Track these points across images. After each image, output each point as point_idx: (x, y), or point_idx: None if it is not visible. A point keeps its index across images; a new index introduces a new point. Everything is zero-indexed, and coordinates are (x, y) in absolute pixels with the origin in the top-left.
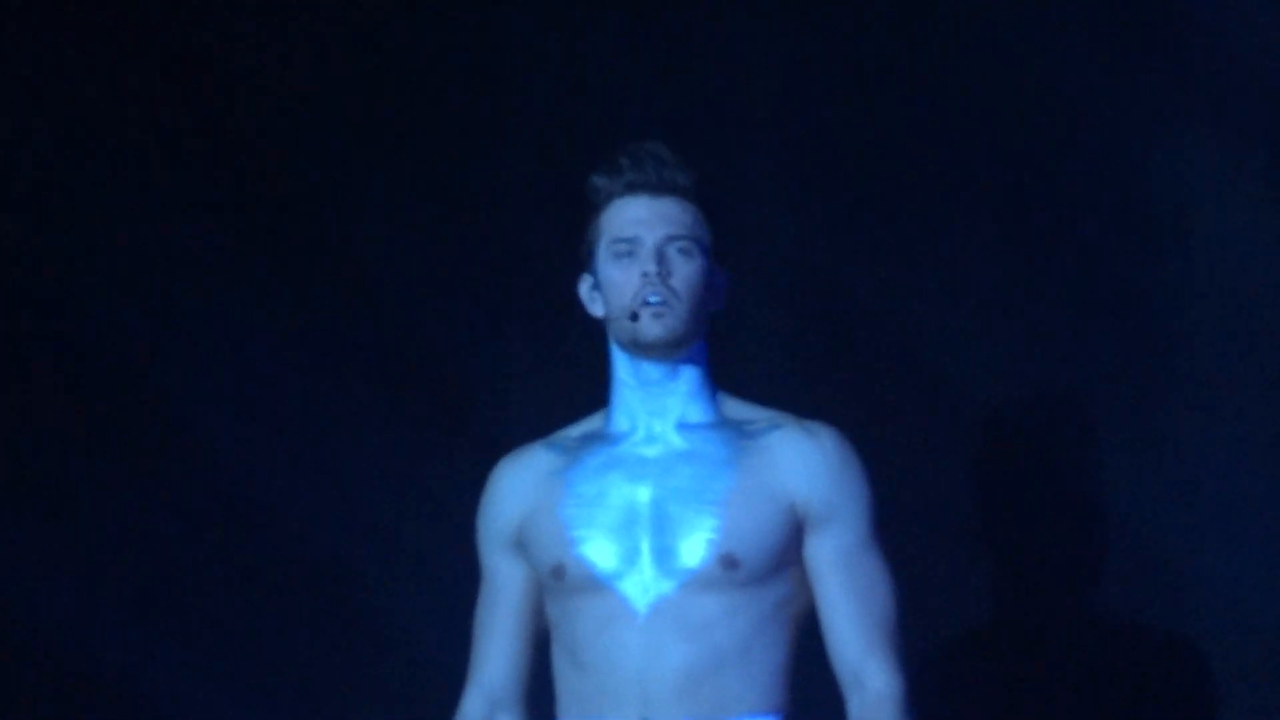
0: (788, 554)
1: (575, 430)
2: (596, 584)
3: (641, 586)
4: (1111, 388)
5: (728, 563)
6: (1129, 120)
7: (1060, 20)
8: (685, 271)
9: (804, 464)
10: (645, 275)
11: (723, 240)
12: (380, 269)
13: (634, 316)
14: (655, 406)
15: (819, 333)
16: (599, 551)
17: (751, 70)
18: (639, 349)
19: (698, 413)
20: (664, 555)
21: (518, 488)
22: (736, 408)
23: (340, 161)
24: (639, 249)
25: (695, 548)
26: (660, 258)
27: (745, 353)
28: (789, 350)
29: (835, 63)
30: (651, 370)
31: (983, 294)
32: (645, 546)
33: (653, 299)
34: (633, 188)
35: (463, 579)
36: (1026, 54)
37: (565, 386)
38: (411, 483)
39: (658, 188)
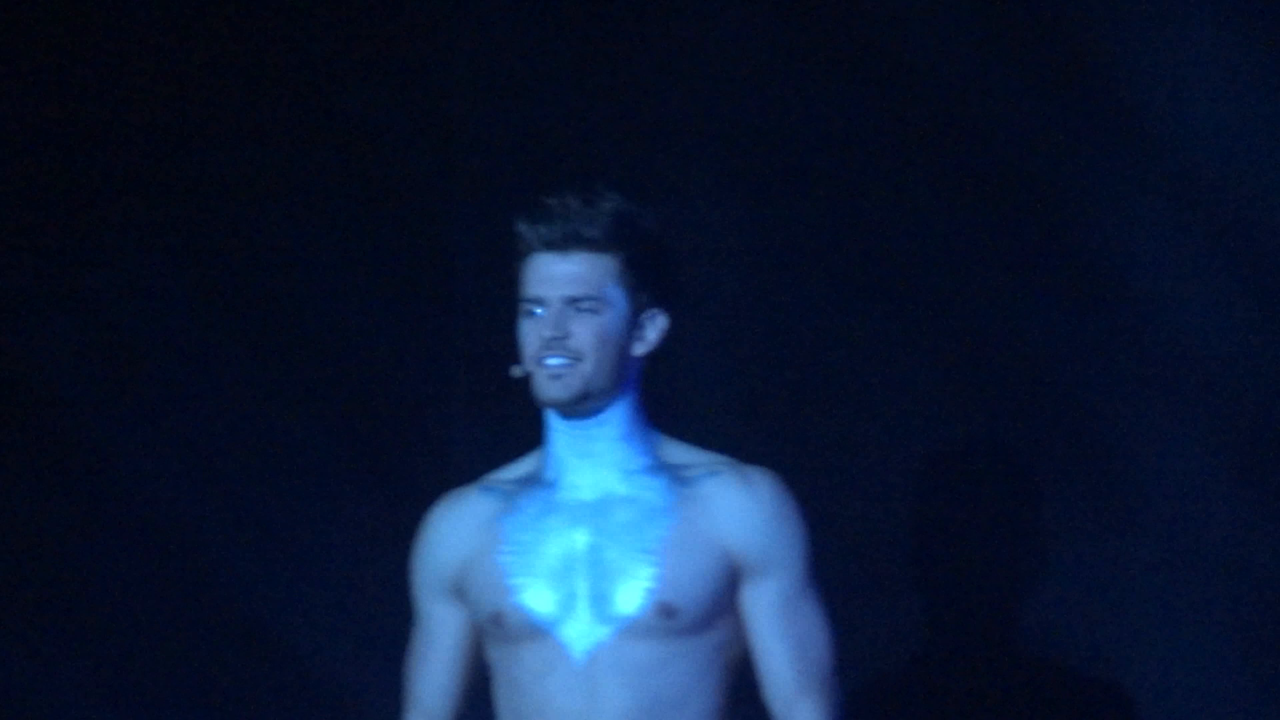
0: (724, 602)
1: (511, 473)
2: (535, 630)
3: (579, 633)
4: (1049, 430)
5: (665, 611)
6: (1070, 172)
7: (1005, 75)
8: (587, 331)
9: (740, 513)
10: (543, 339)
11: (655, 284)
12: (317, 308)
13: (535, 376)
14: (583, 450)
15: (760, 375)
16: (536, 598)
17: (698, 106)
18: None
19: (633, 457)
20: (601, 601)
21: (456, 533)
22: (675, 451)
23: (280, 203)
24: (543, 309)
25: (633, 595)
26: (559, 320)
27: (687, 394)
28: (730, 393)
29: (784, 100)
30: (577, 418)
31: (923, 338)
32: (582, 592)
33: (549, 362)
34: (542, 244)
35: (391, 623)
36: (970, 104)
37: (504, 429)
38: (343, 526)
39: (565, 244)
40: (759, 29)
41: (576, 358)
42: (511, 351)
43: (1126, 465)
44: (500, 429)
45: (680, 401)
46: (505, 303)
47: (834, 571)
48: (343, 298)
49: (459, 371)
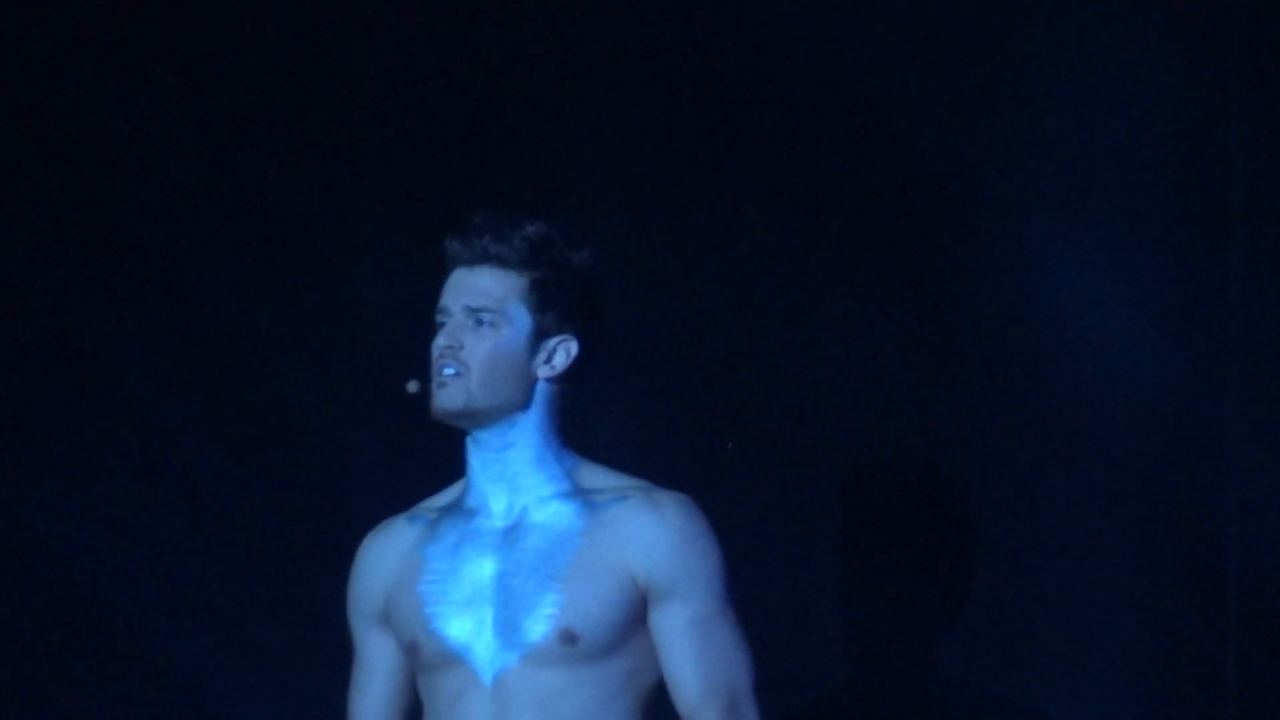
0: (631, 627)
1: (437, 501)
2: (448, 658)
3: (487, 659)
4: (971, 451)
5: (566, 637)
6: (993, 194)
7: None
8: (481, 345)
9: (644, 537)
10: (438, 347)
11: (565, 309)
12: (223, 333)
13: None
14: (494, 474)
15: (678, 396)
16: (449, 626)
17: (603, 123)
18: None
19: (546, 481)
20: (507, 628)
21: (382, 563)
22: (590, 475)
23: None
24: (446, 319)
25: (536, 622)
26: (455, 331)
27: (606, 416)
28: (650, 415)
29: (689, 108)
30: (481, 438)
31: (845, 357)
32: (489, 619)
33: (445, 370)
34: (458, 258)
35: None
36: (886, 114)
37: (406, 461)
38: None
39: (475, 259)
40: (670, 35)
41: (466, 368)
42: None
43: (1042, 487)
44: (403, 461)
45: (596, 424)
46: (409, 330)
47: (753, 596)
48: (247, 321)
49: (361, 402)
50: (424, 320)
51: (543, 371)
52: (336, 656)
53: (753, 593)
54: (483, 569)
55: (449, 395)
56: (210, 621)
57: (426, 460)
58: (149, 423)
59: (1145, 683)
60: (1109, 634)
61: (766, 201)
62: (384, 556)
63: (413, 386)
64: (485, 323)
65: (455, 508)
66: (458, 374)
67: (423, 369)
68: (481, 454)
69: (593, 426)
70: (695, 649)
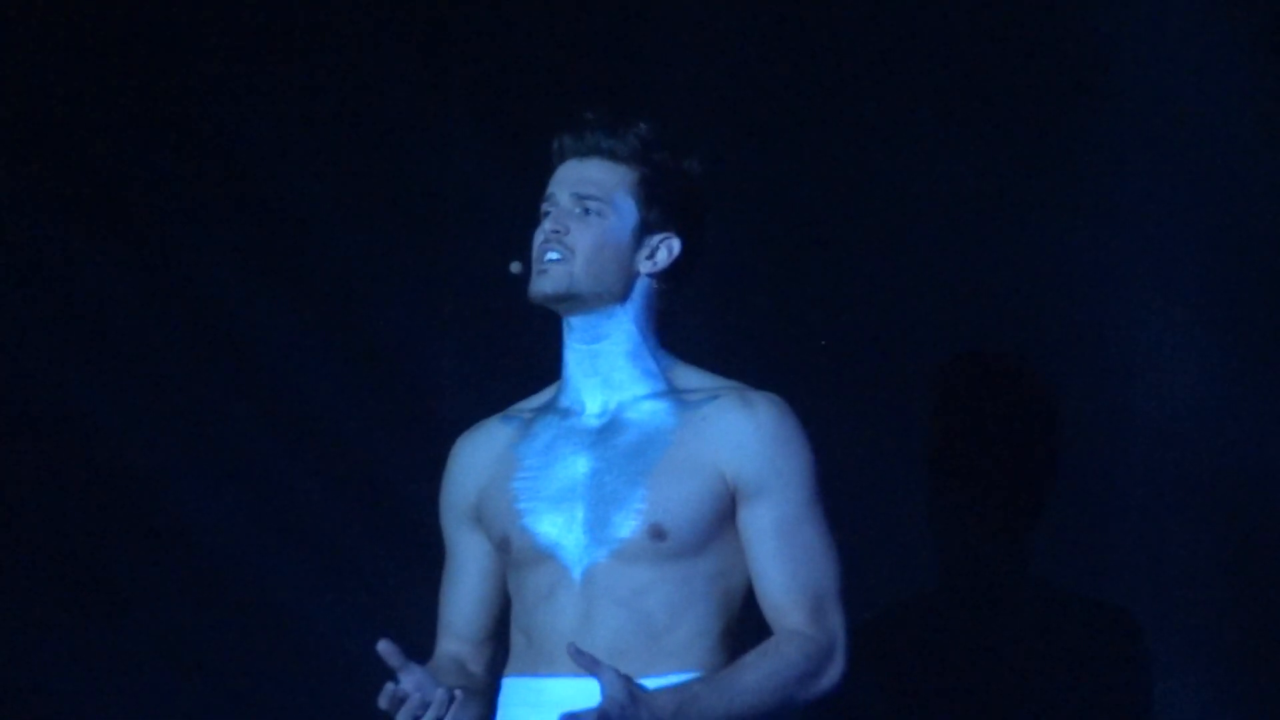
0: (719, 526)
1: (531, 403)
2: (539, 554)
3: (577, 554)
4: (1067, 348)
5: (655, 533)
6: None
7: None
8: (586, 231)
9: (735, 436)
10: (544, 232)
11: (670, 206)
12: (308, 239)
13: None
14: (588, 368)
15: (770, 301)
16: (541, 522)
17: (701, 37)
18: (542, 306)
19: (640, 379)
20: (598, 525)
21: (475, 463)
22: (685, 375)
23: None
24: (552, 208)
25: (626, 517)
26: (561, 216)
27: (699, 320)
28: (745, 318)
29: (803, 46)
30: (576, 325)
31: (934, 263)
32: (580, 516)
33: (548, 255)
34: (567, 152)
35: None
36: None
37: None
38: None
39: (585, 152)
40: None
41: (570, 252)
42: (503, 303)
43: (1131, 384)
44: (492, 368)
45: (688, 329)
46: (500, 240)
47: (840, 501)
48: (335, 235)
49: (449, 315)
50: (511, 219)
51: (644, 266)
52: (430, 561)
53: (840, 497)
54: (576, 466)
55: (550, 279)
56: (307, 535)
57: (516, 367)
58: (242, 338)
59: (1228, 585)
60: (1193, 539)
61: (864, 111)
62: (477, 456)
63: (515, 267)
64: (592, 211)
65: (550, 408)
66: (561, 259)
67: (526, 258)
68: (576, 346)
69: (687, 330)
70: (782, 549)
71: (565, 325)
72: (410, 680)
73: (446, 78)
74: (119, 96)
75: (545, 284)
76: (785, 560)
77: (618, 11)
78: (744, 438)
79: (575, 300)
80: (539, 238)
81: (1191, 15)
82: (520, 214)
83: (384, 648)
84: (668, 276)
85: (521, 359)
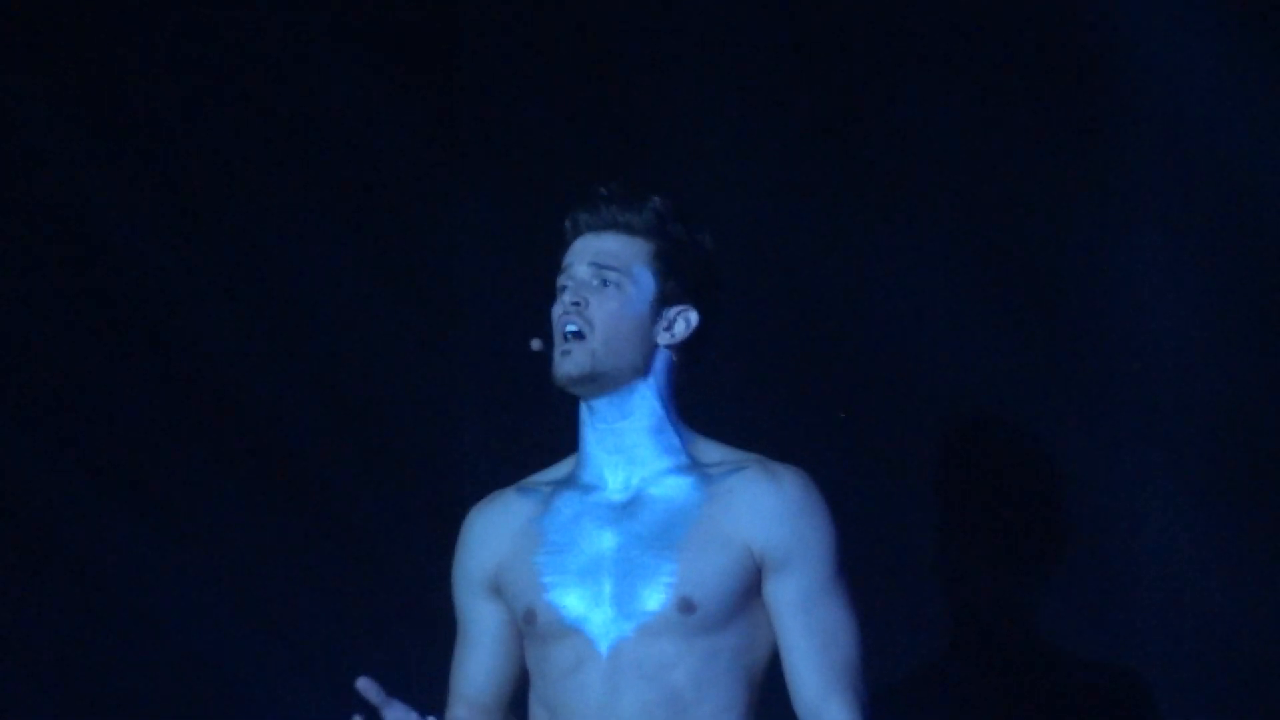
0: (746, 598)
1: (548, 475)
2: (565, 628)
3: (604, 629)
4: (1072, 421)
5: (684, 606)
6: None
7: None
8: (604, 304)
9: (762, 508)
10: (563, 305)
11: (687, 278)
12: (326, 320)
13: (553, 356)
14: (611, 445)
15: (794, 371)
16: (567, 596)
17: (711, 109)
18: (566, 390)
19: (662, 454)
20: (625, 599)
21: (493, 534)
22: (707, 450)
23: (286, 208)
24: (570, 281)
25: (654, 591)
26: (580, 289)
27: (721, 392)
28: (764, 391)
29: (815, 74)
30: (600, 408)
31: (943, 324)
32: (608, 591)
33: (568, 327)
34: (582, 227)
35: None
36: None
37: (516, 444)
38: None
39: (600, 226)
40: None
41: (589, 326)
42: (523, 367)
43: (1143, 459)
44: (513, 444)
45: (703, 403)
46: (516, 316)
47: (858, 570)
48: (353, 309)
49: (470, 386)
50: (530, 294)
51: (663, 338)
52: (443, 632)
53: (856, 566)
54: (602, 541)
55: (573, 361)
56: (319, 601)
57: (535, 439)
58: (259, 405)
59: (1238, 644)
60: (1207, 605)
61: (875, 190)
62: (495, 527)
63: (536, 344)
64: (610, 282)
65: (570, 482)
66: (580, 333)
67: (544, 333)
68: (598, 425)
69: (705, 404)
70: (811, 623)
71: (586, 409)
72: (393, 715)
73: (461, 147)
74: (121, 177)
75: (569, 366)
76: (813, 634)
77: (629, 89)
78: (771, 510)
79: (599, 380)
80: (557, 310)
81: (1205, 18)
82: (541, 286)
83: (363, 684)
84: (685, 349)
85: (542, 434)
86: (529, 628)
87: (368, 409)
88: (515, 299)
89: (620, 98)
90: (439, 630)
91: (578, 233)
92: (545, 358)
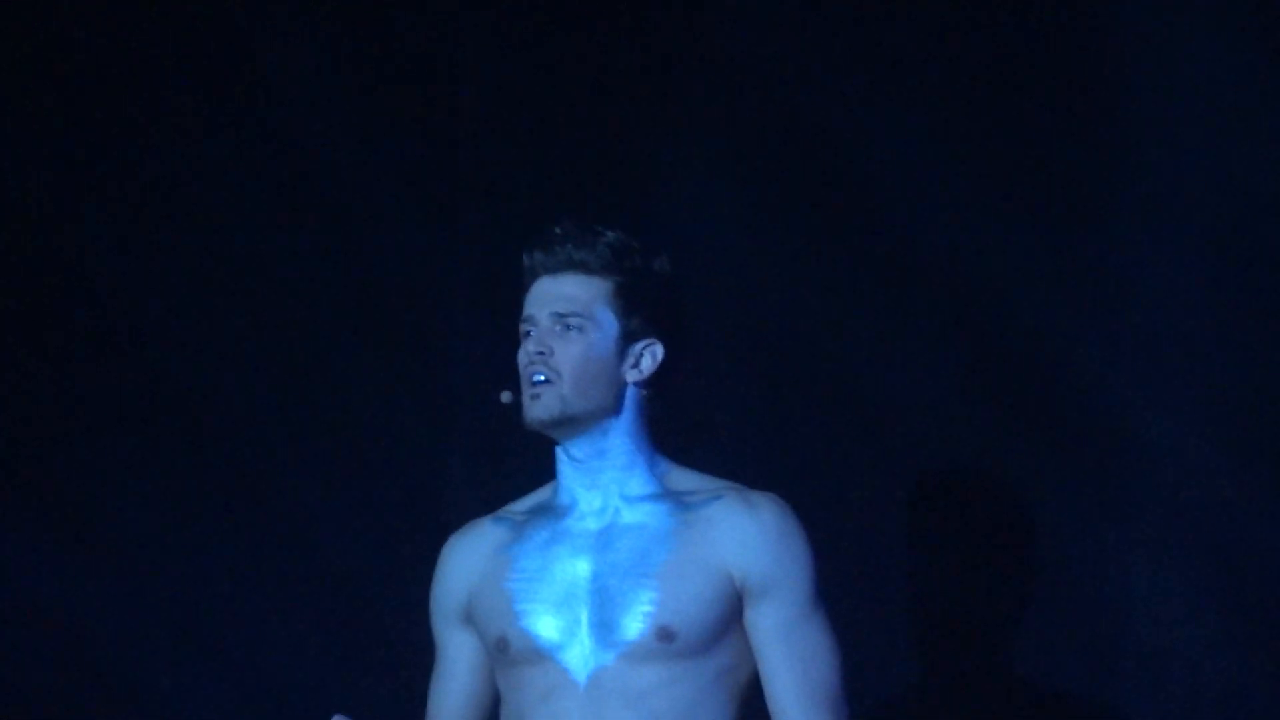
0: (726, 625)
1: (523, 504)
2: (539, 655)
3: (582, 658)
4: (1053, 458)
5: (664, 634)
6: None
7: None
8: (570, 349)
9: (741, 536)
10: (528, 355)
11: (650, 313)
12: (314, 354)
13: (522, 402)
14: (588, 481)
15: (769, 399)
16: (541, 624)
17: (703, 131)
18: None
19: (638, 485)
20: (603, 628)
21: (466, 563)
22: (681, 478)
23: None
24: (532, 329)
25: (633, 620)
26: (544, 337)
27: (694, 419)
28: (738, 418)
29: (796, 116)
30: (574, 448)
31: (919, 352)
32: (585, 619)
33: (535, 378)
34: (540, 269)
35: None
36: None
37: (500, 474)
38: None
39: (559, 268)
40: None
41: (558, 375)
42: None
43: (1124, 474)
44: (496, 474)
45: (680, 428)
46: (500, 344)
47: (835, 595)
48: (338, 339)
49: (455, 417)
50: (515, 327)
51: (631, 375)
52: (425, 663)
53: (832, 592)
54: (576, 569)
55: (543, 405)
56: (299, 632)
57: (514, 469)
58: (240, 441)
59: (1226, 683)
60: (1187, 637)
61: (833, 217)
62: (467, 556)
63: (505, 397)
64: (573, 327)
65: (544, 510)
66: (549, 380)
67: (512, 380)
68: (572, 458)
69: (679, 431)
70: (791, 650)
71: (560, 449)
72: None
73: (449, 185)
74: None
75: (539, 410)
76: (795, 660)
77: (616, 136)
78: (750, 538)
79: (570, 423)
80: (523, 359)
81: (1208, 23)
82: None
83: None
84: (654, 382)
85: (526, 464)
86: (501, 655)
87: (353, 439)
88: (500, 331)
89: (604, 140)
90: (421, 662)
91: (534, 275)
92: (516, 406)
